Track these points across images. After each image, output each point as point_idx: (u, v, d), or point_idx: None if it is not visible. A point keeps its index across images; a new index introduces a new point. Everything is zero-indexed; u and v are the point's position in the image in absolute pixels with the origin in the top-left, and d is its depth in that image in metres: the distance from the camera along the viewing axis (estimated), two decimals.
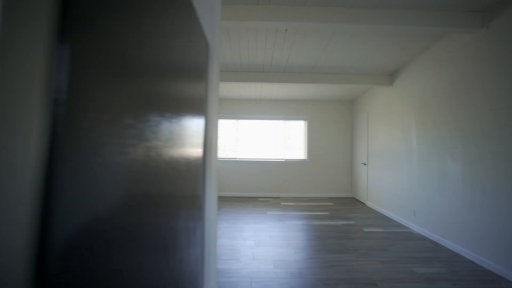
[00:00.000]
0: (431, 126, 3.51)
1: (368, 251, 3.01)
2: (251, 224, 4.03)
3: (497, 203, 2.53)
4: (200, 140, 0.86)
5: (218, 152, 6.47)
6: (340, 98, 6.24)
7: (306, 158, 6.43)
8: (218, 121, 6.41)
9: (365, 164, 5.60)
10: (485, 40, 2.70)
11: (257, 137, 6.45)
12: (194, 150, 0.78)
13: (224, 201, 5.82)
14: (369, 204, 5.36)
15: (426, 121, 3.62)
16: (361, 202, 5.79)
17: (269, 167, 6.37)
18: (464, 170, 2.94)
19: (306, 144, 6.45)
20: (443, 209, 3.26)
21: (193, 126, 0.76)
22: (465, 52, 2.96)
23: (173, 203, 0.58)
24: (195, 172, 0.79)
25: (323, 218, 4.42)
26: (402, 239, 3.45)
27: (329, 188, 6.40)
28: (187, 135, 0.69)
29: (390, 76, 4.56)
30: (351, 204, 5.63)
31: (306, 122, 6.49)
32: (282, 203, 5.59)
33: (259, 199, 6.07)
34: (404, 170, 4.11)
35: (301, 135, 6.49)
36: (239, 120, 6.47)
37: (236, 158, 6.41)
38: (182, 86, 0.63)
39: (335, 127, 6.46)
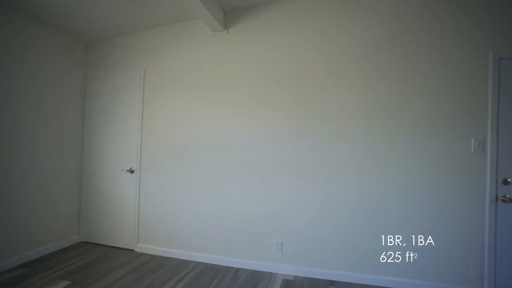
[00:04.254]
0: (309, 99, 2.30)
1: None
2: None
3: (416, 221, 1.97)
4: None
5: None
6: (67, 24, 2.74)
7: None
8: None
9: (132, 172, 2.88)
10: None
11: None
12: None
13: None
14: (145, 248, 2.78)
15: (300, 94, 2.33)
16: (125, 249, 2.88)
17: None
18: (359, 166, 2.10)
19: None
20: (334, 232, 2.19)
21: None
22: None
23: None
24: None
25: None
26: None
27: (25, 237, 2.55)
28: None
29: (226, 15, 2.59)
30: (87, 266, 2.56)
31: None
32: None
33: None
34: (255, 175, 2.43)
35: None
36: None
37: None
38: None
39: (51, 90, 2.75)
